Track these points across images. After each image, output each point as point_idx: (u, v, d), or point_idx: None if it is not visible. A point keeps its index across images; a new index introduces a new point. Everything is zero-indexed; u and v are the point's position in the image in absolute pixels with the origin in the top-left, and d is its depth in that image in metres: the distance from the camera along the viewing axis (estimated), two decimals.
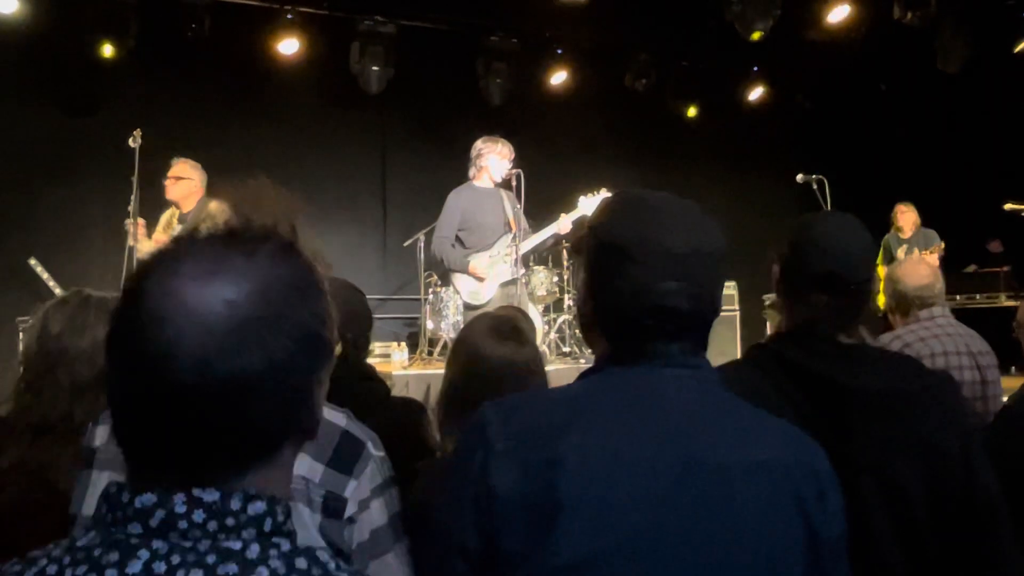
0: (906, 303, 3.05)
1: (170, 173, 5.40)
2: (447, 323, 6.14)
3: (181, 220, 5.42)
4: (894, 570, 1.45)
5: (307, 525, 1.30)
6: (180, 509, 0.70)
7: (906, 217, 7.36)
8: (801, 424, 1.32)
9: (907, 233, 7.36)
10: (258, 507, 0.73)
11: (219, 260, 0.73)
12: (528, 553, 1.00)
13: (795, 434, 1.16)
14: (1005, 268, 7.44)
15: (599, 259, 1.19)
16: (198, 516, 0.70)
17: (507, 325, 1.89)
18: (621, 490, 1.02)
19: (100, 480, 1.35)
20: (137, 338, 0.70)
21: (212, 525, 0.70)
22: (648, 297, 1.12)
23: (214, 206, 5.56)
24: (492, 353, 1.83)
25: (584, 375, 1.20)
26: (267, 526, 0.73)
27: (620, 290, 1.14)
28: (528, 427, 1.07)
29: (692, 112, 9.06)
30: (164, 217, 5.62)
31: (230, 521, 0.71)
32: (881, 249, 7.36)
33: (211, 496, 0.71)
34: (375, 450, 1.42)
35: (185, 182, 5.40)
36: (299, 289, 0.76)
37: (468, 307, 5.58)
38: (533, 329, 1.96)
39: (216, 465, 0.72)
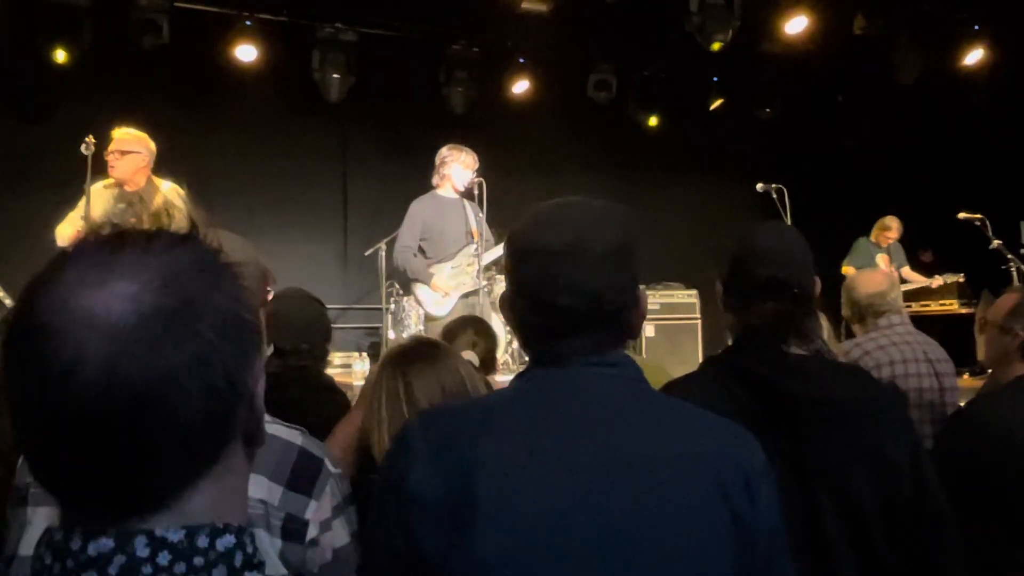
0: (860, 311, 3.09)
1: (114, 147, 4.82)
2: (409, 333, 6.10)
3: (124, 199, 4.82)
4: (847, 573, 1.48)
5: (267, 552, 1.26)
6: (143, 553, 0.63)
7: (893, 231, 7.52)
8: (756, 434, 1.33)
9: (886, 243, 7.56)
10: (227, 541, 0.67)
11: (112, 258, 0.65)
12: (447, 554, 1.01)
13: (724, 427, 1.17)
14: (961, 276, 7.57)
15: (505, 267, 1.25)
16: (163, 559, 0.63)
17: (425, 350, 1.86)
18: (536, 488, 1.03)
19: (36, 517, 1.28)
20: (34, 357, 0.62)
21: (180, 567, 0.63)
22: (534, 296, 1.15)
23: (172, 192, 5.16)
24: (419, 385, 1.80)
25: (513, 380, 1.21)
26: (237, 561, 0.67)
27: (515, 293, 1.19)
28: (447, 431, 1.09)
29: (653, 121, 9.12)
30: (99, 190, 4.91)
31: (198, 560, 0.64)
32: (853, 250, 7.52)
33: (176, 535, 0.64)
34: (332, 467, 1.39)
35: (133, 156, 4.85)
36: (208, 272, 0.68)
37: (429, 318, 5.54)
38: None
39: (156, 485, 0.65)
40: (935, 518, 1.56)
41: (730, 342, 1.73)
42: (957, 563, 1.58)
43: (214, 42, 7.31)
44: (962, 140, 7.98)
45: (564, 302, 1.12)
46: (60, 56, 6.65)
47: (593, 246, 1.14)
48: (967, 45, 7.61)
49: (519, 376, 1.19)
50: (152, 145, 5.00)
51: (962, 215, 6.97)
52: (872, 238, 7.57)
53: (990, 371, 2.67)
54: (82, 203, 4.91)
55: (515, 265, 1.19)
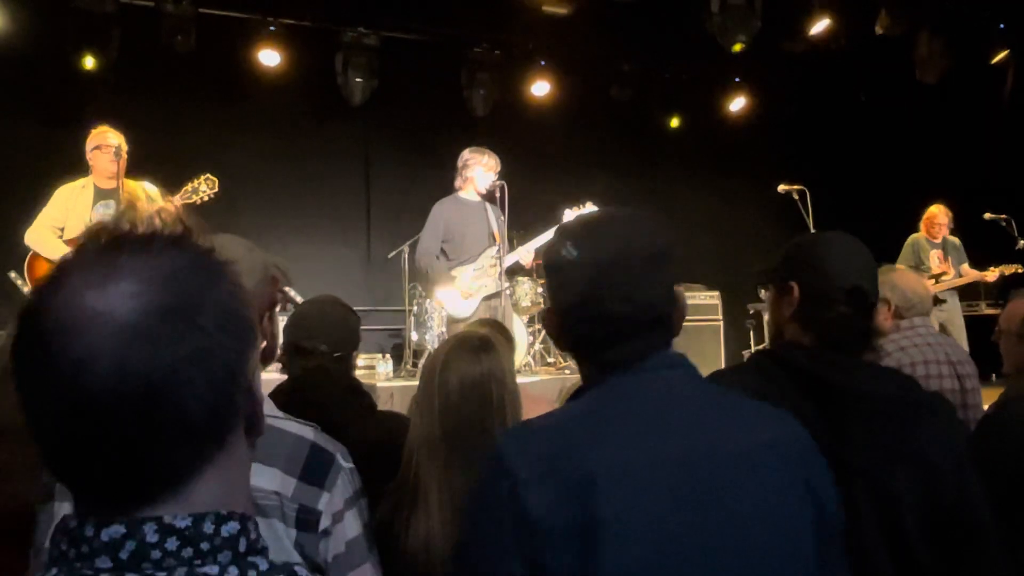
0: (897, 312, 3.06)
1: (124, 148, 4.84)
2: (431, 335, 6.14)
3: (105, 197, 4.87)
4: (880, 571, 1.48)
5: (282, 540, 1.31)
6: (152, 538, 0.67)
7: (941, 218, 7.00)
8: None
9: (938, 237, 7.08)
10: (231, 527, 0.71)
11: (114, 260, 0.69)
12: (577, 573, 1.00)
13: (784, 414, 1.21)
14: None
15: (546, 281, 1.27)
16: (171, 544, 0.67)
17: (474, 341, 1.89)
18: (654, 495, 1.04)
19: (62, 511, 1.32)
20: (45, 355, 0.66)
21: (187, 552, 0.68)
22: (588, 308, 1.18)
23: (140, 189, 5.11)
24: (455, 369, 1.83)
25: (579, 392, 1.22)
26: (242, 546, 0.71)
27: (565, 307, 1.21)
28: (549, 450, 1.08)
29: (675, 123, 9.12)
30: (73, 191, 4.91)
31: (204, 545, 0.69)
32: (908, 249, 7.12)
33: (183, 522, 0.68)
34: (344, 462, 1.43)
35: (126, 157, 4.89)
36: (205, 271, 0.72)
37: (452, 320, 5.57)
38: (508, 342, 1.96)
39: (164, 473, 0.69)
40: (976, 528, 1.54)
41: (752, 339, 1.73)
42: (1000, 569, 1.54)
43: (239, 47, 7.41)
44: (987, 140, 7.90)
45: (620, 310, 1.16)
46: (88, 62, 6.77)
47: (639, 253, 1.18)
48: (992, 44, 7.54)
49: (590, 386, 1.21)
50: None
51: (988, 215, 6.90)
52: (922, 233, 7.10)
53: (1009, 377, 2.66)
54: (50, 205, 4.91)
55: (562, 280, 1.21)
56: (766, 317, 6.01)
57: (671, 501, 1.04)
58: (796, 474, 1.12)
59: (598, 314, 1.17)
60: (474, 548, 1.10)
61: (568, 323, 1.22)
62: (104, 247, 0.71)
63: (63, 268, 0.70)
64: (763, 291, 1.82)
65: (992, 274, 6.99)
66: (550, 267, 1.25)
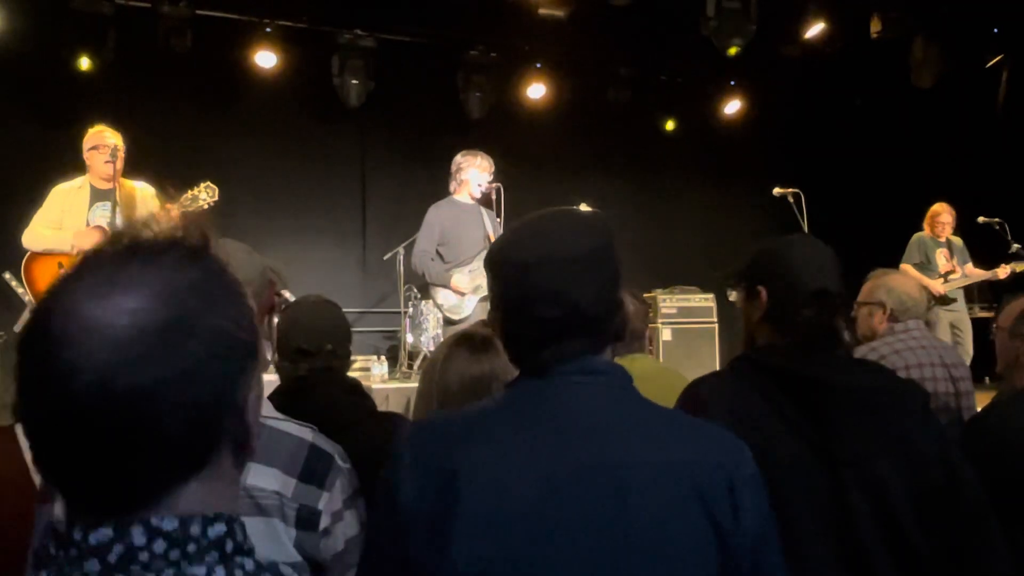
0: (892, 315, 3.07)
1: (120, 146, 4.76)
2: (427, 336, 6.15)
3: (102, 198, 4.78)
4: (877, 561, 1.50)
5: (282, 539, 1.33)
6: (140, 541, 0.68)
7: (944, 216, 6.84)
8: (785, 427, 1.36)
9: (943, 236, 6.92)
10: (218, 529, 0.72)
11: (119, 271, 0.70)
12: (430, 562, 1.04)
13: (711, 435, 1.18)
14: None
15: (488, 283, 1.26)
16: (159, 546, 0.69)
17: (475, 340, 1.90)
18: (513, 498, 1.05)
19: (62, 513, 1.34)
20: (41, 360, 0.68)
21: (174, 553, 0.69)
22: (514, 309, 1.18)
23: (144, 192, 5.01)
24: (455, 368, 1.84)
25: (500, 391, 1.24)
26: (228, 547, 0.72)
27: (497, 307, 1.22)
28: (432, 440, 1.12)
29: (670, 126, 9.14)
30: (69, 192, 4.80)
31: (192, 547, 0.70)
32: (913, 247, 6.94)
33: (170, 524, 0.69)
34: (342, 462, 1.46)
35: (122, 156, 4.78)
36: (206, 292, 0.72)
37: (448, 321, 5.58)
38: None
39: (146, 484, 0.70)
40: (971, 507, 1.56)
41: (752, 344, 1.76)
42: (1000, 550, 1.56)
43: (235, 49, 7.41)
44: (981, 144, 7.93)
45: (542, 312, 1.14)
46: (84, 64, 6.76)
47: (565, 255, 1.15)
48: (986, 48, 7.57)
49: (506, 387, 1.22)
50: None
51: (981, 219, 6.92)
52: (926, 232, 6.96)
53: (1003, 379, 2.67)
54: (45, 206, 4.83)
55: (494, 280, 1.22)
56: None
57: (533, 504, 1.05)
58: (690, 494, 1.09)
59: (525, 316, 1.17)
60: (369, 528, 1.17)
61: (500, 324, 1.22)
62: (119, 253, 0.71)
63: (77, 270, 0.71)
64: (731, 293, 1.86)
65: (1004, 271, 6.73)
66: (486, 268, 1.25)
